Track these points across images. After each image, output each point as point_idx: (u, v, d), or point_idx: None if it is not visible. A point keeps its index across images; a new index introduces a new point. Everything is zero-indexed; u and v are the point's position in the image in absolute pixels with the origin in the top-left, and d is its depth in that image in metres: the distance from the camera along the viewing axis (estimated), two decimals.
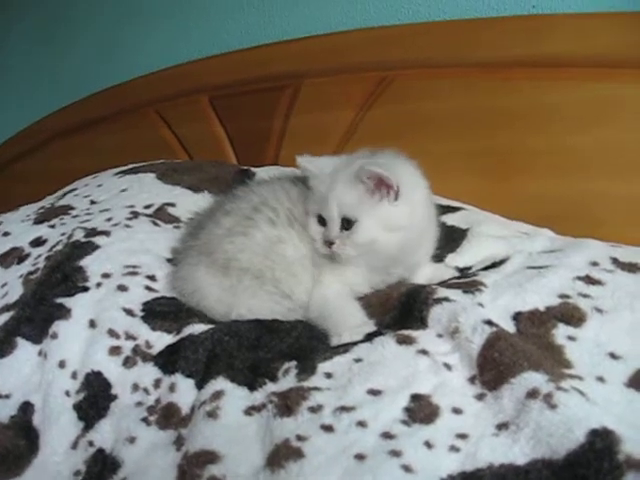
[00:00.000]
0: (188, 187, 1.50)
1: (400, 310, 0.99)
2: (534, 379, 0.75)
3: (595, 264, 1.04)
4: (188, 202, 1.40)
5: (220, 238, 1.07)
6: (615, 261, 1.05)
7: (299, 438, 0.74)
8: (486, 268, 1.12)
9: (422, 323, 0.93)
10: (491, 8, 1.52)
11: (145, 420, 0.88)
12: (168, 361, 0.96)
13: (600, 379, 0.79)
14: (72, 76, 2.52)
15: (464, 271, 1.16)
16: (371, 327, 0.98)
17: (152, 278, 1.15)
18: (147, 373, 0.95)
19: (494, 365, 0.79)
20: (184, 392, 0.90)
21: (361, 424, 0.75)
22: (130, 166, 1.71)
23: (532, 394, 0.73)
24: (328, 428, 0.76)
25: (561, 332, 0.88)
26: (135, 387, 0.94)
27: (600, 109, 1.36)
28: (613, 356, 0.83)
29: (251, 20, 1.96)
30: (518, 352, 0.80)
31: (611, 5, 1.37)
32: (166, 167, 1.61)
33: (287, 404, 0.81)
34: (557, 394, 0.71)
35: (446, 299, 0.94)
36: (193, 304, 1.07)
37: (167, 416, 0.88)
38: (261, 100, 1.87)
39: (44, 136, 2.54)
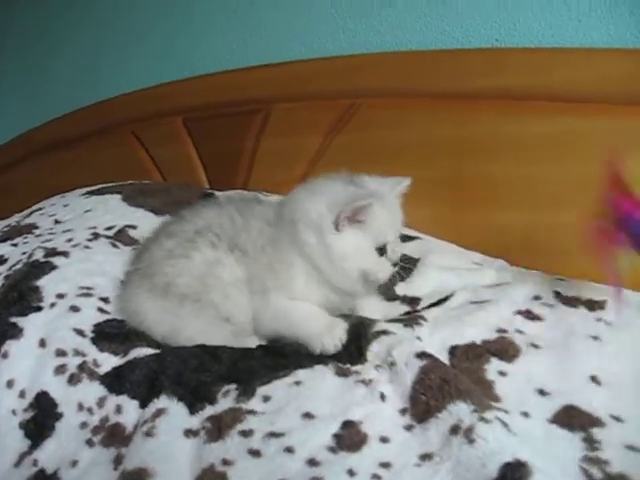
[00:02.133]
0: (151, 210, 1.52)
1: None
2: (459, 410, 0.77)
3: (537, 298, 1.07)
4: (149, 225, 1.40)
5: (161, 260, 1.09)
6: (558, 295, 1.07)
7: (225, 462, 0.76)
8: (433, 305, 1.14)
9: (362, 357, 0.95)
10: (456, 40, 1.56)
11: (89, 442, 0.89)
12: (114, 382, 0.97)
13: (525, 414, 0.82)
14: (56, 91, 2.54)
15: (412, 302, 1.18)
16: (344, 324, 1.00)
17: (105, 300, 1.16)
18: (91, 392, 0.96)
19: (423, 400, 0.82)
20: (129, 412, 0.91)
21: (289, 450, 0.77)
22: (99, 186, 1.73)
23: (455, 429, 0.75)
24: (256, 453, 0.77)
25: (493, 367, 0.91)
26: (80, 406, 0.95)
27: (561, 142, 1.39)
28: (541, 392, 0.85)
29: (230, 43, 2.01)
30: (447, 384, 0.82)
31: (571, 41, 1.41)
32: (133, 189, 1.64)
33: (220, 426, 0.83)
34: (478, 427, 0.73)
35: (385, 332, 0.97)
36: (136, 326, 1.08)
37: (111, 435, 0.89)
38: (233, 123, 1.90)
39: (25, 150, 2.55)
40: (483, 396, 0.82)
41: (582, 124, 1.36)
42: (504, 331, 0.97)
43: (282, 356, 0.99)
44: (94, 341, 1.05)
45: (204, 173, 2.01)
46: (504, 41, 1.51)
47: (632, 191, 0.90)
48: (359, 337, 0.99)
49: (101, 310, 1.14)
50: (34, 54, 2.57)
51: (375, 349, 0.95)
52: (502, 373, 0.89)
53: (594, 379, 0.88)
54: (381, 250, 1.03)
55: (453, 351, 0.95)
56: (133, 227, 1.43)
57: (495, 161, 1.47)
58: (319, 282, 1.05)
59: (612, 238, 0.92)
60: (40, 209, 1.63)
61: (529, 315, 1.01)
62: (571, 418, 0.81)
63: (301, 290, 1.05)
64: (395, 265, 1.06)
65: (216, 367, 0.97)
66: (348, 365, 0.94)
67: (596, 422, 0.81)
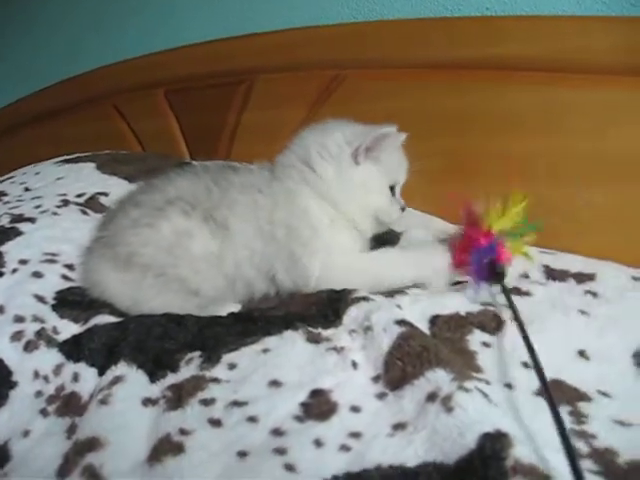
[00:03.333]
0: (124, 177, 1.46)
1: (319, 305, 0.95)
2: (438, 377, 0.71)
3: (526, 276, 1.02)
4: (122, 192, 1.33)
5: (125, 229, 1.01)
6: (547, 269, 1.02)
7: (182, 432, 0.70)
8: None
9: (337, 319, 0.90)
10: (445, 8, 1.50)
11: (43, 411, 0.83)
12: (72, 349, 0.91)
13: (508, 385, 0.77)
14: (43, 65, 2.48)
15: None
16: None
17: (70, 267, 1.10)
18: (49, 359, 0.90)
19: (399, 366, 0.76)
20: (87, 381, 0.86)
21: (252, 419, 0.71)
22: (74, 155, 1.67)
23: (432, 396, 0.69)
24: (216, 422, 0.72)
25: (476, 338, 0.85)
26: (35, 374, 0.88)
27: (552, 114, 1.33)
28: (526, 365, 0.79)
29: (211, 14, 1.94)
30: (427, 351, 0.76)
31: (564, 9, 1.35)
32: (108, 157, 1.59)
33: (180, 395, 0.77)
34: (457, 395, 0.67)
35: (365, 298, 0.91)
36: (98, 296, 1.02)
37: (67, 405, 0.83)
38: (215, 95, 1.84)
39: (9, 123, 2.50)
40: (464, 367, 0.77)
41: (572, 95, 1.31)
42: (488, 304, 0.91)
43: (251, 321, 0.93)
44: (55, 308, 1.00)
45: (185, 146, 1.95)
46: (494, 10, 1.45)
47: (481, 222, 0.97)
48: (338, 300, 0.93)
49: (65, 277, 1.08)
50: (18, 24, 2.49)
51: (353, 313, 0.89)
52: (485, 344, 0.84)
53: (582, 354, 0.83)
54: (392, 190, 1.07)
55: (434, 320, 0.89)
56: (104, 194, 1.38)
57: (489, 134, 1.41)
58: (341, 223, 1.04)
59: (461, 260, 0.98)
60: (11, 177, 1.57)
61: (517, 292, 0.95)
62: (557, 392, 0.75)
63: (335, 234, 1.03)
64: (403, 210, 1.09)
65: (181, 335, 0.91)
66: (320, 330, 0.88)
67: (583, 396, 0.75)
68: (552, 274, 1.02)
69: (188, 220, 1.00)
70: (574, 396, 0.75)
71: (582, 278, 0.99)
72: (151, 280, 0.98)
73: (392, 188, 1.08)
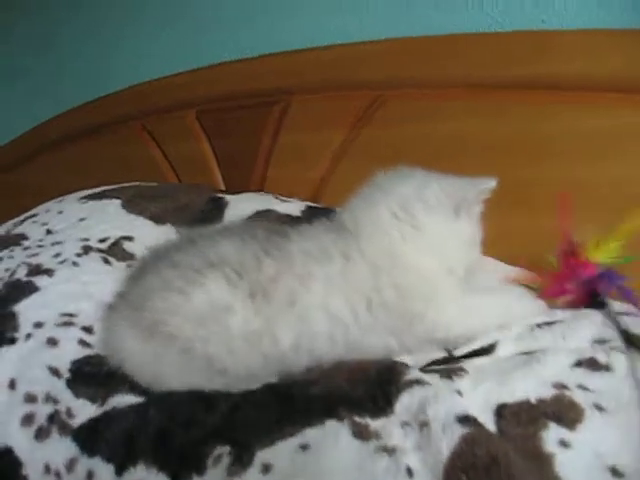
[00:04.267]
0: (150, 217, 1.35)
1: (367, 385, 0.81)
2: None
3: (601, 341, 0.84)
4: (148, 236, 1.24)
5: (154, 292, 0.88)
6: (624, 334, 0.85)
7: None
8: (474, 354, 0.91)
9: (388, 405, 0.76)
10: (495, 21, 1.35)
11: None
12: (88, 439, 0.81)
13: None
14: (72, 85, 2.37)
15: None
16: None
17: (88, 330, 1.00)
18: (61, 450, 0.80)
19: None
20: None
21: None
22: (100, 189, 1.57)
23: None
24: None
25: (552, 435, 0.70)
26: (47, 468, 0.80)
27: (613, 139, 1.19)
28: (615, 473, 0.65)
29: (244, 31, 1.82)
30: (496, 464, 0.63)
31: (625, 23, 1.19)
32: (134, 192, 1.47)
33: None
34: None
35: (418, 382, 0.78)
36: (117, 365, 0.90)
37: None
38: (249, 117, 1.74)
39: (33, 147, 2.41)
40: None
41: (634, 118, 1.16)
42: (563, 387, 0.76)
43: (288, 401, 0.81)
44: (70, 384, 0.90)
45: (219, 171, 1.85)
46: (551, 22, 1.30)
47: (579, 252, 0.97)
48: (388, 382, 0.80)
49: (82, 343, 0.98)
50: (57, 44, 2.39)
51: (405, 401, 0.76)
52: (564, 444, 0.69)
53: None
54: None
55: (500, 411, 0.74)
56: (129, 239, 1.27)
57: (538, 161, 1.28)
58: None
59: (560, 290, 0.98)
60: (34, 216, 1.48)
61: (593, 365, 0.79)
62: None
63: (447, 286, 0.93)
64: None
65: (210, 419, 0.79)
66: (367, 419, 0.75)
67: None
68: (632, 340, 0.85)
69: (228, 292, 0.86)
70: None
71: None
72: (174, 355, 0.85)
73: None
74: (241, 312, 0.85)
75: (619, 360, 0.79)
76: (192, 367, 0.85)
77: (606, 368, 0.78)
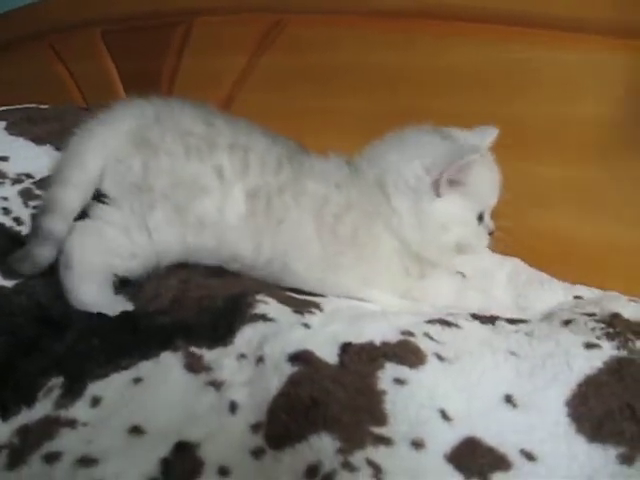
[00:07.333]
0: (32, 139, 1.31)
1: (212, 313, 0.82)
2: (321, 446, 0.59)
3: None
4: (25, 156, 1.20)
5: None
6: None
7: None
8: None
9: (229, 335, 0.76)
10: None
11: None
12: None
13: (416, 444, 0.61)
14: None
15: None
16: None
17: None
18: None
19: (283, 420, 0.63)
20: None
21: None
22: None
23: (311, 472, 0.56)
24: None
25: (389, 374, 0.69)
26: None
27: (512, 75, 1.17)
28: (444, 416, 0.65)
29: None
30: (316, 407, 0.63)
31: None
32: (21, 115, 1.43)
33: (24, 445, 0.63)
34: (338, 477, 0.54)
35: (264, 317, 0.77)
36: None
37: None
38: (153, 37, 1.68)
39: None
40: (362, 422, 0.63)
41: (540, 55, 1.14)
42: (410, 334, 0.76)
43: (133, 332, 0.79)
44: None
45: (123, 90, 1.80)
46: None
47: None
48: (233, 312, 0.80)
49: None
50: None
51: (247, 334, 0.76)
52: (398, 381, 0.68)
53: (509, 399, 0.68)
54: (480, 217, 0.91)
55: (345, 348, 0.73)
56: (4, 159, 1.22)
57: (434, 94, 1.25)
58: (402, 255, 0.90)
59: None
60: None
61: (444, 323, 0.80)
62: (469, 458, 0.60)
63: (383, 273, 0.91)
64: (491, 234, 0.93)
65: (55, 347, 0.77)
66: (204, 350, 0.74)
67: (500, 462, 0.60)
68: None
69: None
70: (489, 462, 0.61)
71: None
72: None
73: (481, 214, 0.92)
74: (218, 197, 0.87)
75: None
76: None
77: (457, 326, 0.80)
